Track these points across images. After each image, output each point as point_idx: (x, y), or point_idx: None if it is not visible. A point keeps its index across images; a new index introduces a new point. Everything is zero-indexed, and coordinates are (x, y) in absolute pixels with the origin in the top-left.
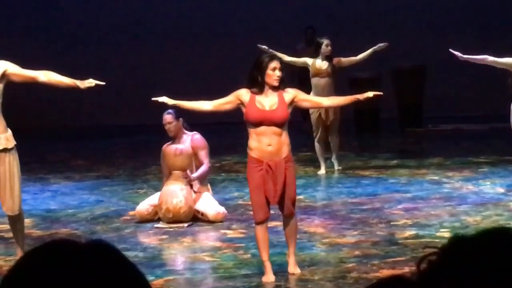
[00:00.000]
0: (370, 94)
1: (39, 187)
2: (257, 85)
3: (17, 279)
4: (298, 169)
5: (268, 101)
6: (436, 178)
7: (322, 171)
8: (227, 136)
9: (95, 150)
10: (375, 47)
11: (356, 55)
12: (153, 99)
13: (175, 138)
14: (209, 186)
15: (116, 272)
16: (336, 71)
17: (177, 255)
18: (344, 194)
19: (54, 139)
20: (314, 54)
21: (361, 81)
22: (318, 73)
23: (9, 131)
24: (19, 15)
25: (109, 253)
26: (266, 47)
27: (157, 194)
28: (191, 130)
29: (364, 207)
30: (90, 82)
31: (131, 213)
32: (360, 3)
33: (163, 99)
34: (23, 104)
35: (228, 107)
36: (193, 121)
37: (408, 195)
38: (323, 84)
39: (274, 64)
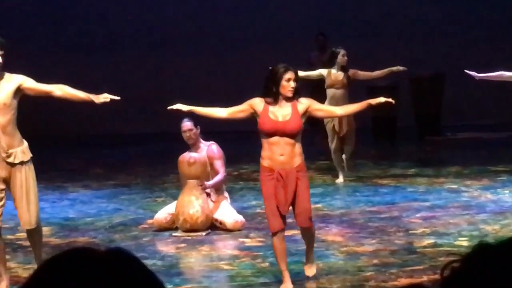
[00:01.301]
0: (382, 99)
1: (57, 196)
2: (272, 95)
3: None
4: (316, 177)
5: (281, 112)
6: (454, 186)
7: (340, 179)
8: (245, 145)
9: (113, 159)
10: (393, 68)
11: (372, 71)
12: (168, 108)
13: (193, 147)
14: (227, 195)
15: (135, 280)
16: (351, 82)
17: (195, 264)
18: (362, 203)
19: (72, 148)
20: (329, 64)
21: (379, 89)
22: (334, 84)
23: (25, 143)
24: (34, 24)
25: (129, 261)
26: None
27: (175, 202)
28: (207, 140)
29: (382, 215)
30: (105, 97)
31: (149, 221)
32: (378, 10)
33: (178, 106)
34: (40, 112)
35: (241, 115)
36: (211, 129)
37: (427, 203)
38: (338, 95)
39: (289, 75)
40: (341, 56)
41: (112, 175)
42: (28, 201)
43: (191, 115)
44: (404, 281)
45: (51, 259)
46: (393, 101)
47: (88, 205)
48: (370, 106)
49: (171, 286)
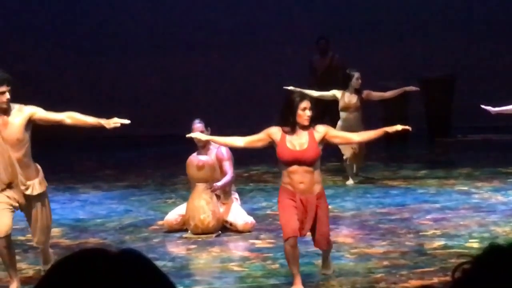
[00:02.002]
0: (399, 127)
1: (68, 197)
2: (289, 124)
3: None
4: (326, 179)
5: (298, 141)
6: (465, 188)
7: (350, 181)
8: None
9: (123, 160)
10: (406, 88)
11: (384, 91)
12: (187, 135)
13: (203, 148)
14: (237, 196)
15: (147, 281)
16: (364, 103)
17: (206, 265)
18: (373, 204)
19: (82, 149)
20: (343, 86)
21: None
22: (348, 107)
23: (40, 173)
24: (46, 28)
25: (141, 263)
26: (293, 88)
27: (186, 204)
28: None
29: (393, 217)
30: (115, 122)
31: (160, 222)
32: (388, 12)
33: (197, 134)
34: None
35: (259, 144)
36: (221, 131)
37: (437, 205)
38: (352, 119)
39: (305, 104)
40: (355, 80)
41: (122, 176)
42: (42, 225)
43: (201, 117)
44: (414, 283)
45: (63, 260)
46: (410, 128)
47: (98, 206)
48: (387, 134)
49: (182, 287)
